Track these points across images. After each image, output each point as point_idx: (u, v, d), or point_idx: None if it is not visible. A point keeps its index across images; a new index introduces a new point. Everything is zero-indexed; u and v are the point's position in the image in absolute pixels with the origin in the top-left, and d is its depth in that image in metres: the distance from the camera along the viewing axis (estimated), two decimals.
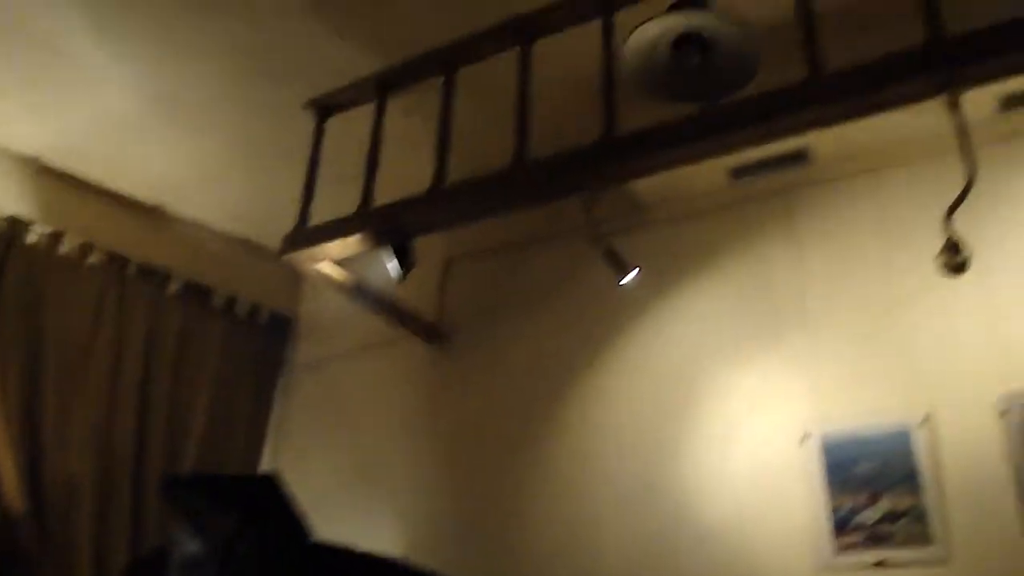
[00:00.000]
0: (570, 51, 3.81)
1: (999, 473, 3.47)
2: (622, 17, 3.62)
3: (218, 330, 5.52)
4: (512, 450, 4.68)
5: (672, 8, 2.63)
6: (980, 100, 3.44)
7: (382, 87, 4.24)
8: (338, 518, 4.75)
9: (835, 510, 3.74)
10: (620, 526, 4.25)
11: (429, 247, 4.20)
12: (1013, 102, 3.75)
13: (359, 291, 4.61)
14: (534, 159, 3.64)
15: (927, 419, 3.67)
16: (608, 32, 3.65)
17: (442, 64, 4.08)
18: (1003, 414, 3.51)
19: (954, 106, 2.99)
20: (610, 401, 4.51)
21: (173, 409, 5.13)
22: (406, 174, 3.87)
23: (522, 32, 3.90)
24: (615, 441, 4.41)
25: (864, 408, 3.82)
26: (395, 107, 4.24)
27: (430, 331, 5.19)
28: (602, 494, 4.35)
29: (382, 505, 4.99)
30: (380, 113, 4.20)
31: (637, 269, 3.87)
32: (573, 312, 4.78)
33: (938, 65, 2.95)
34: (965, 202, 3.00)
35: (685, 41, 2.65)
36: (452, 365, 5.14)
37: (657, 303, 4.52)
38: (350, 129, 4.24)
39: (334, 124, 4.36)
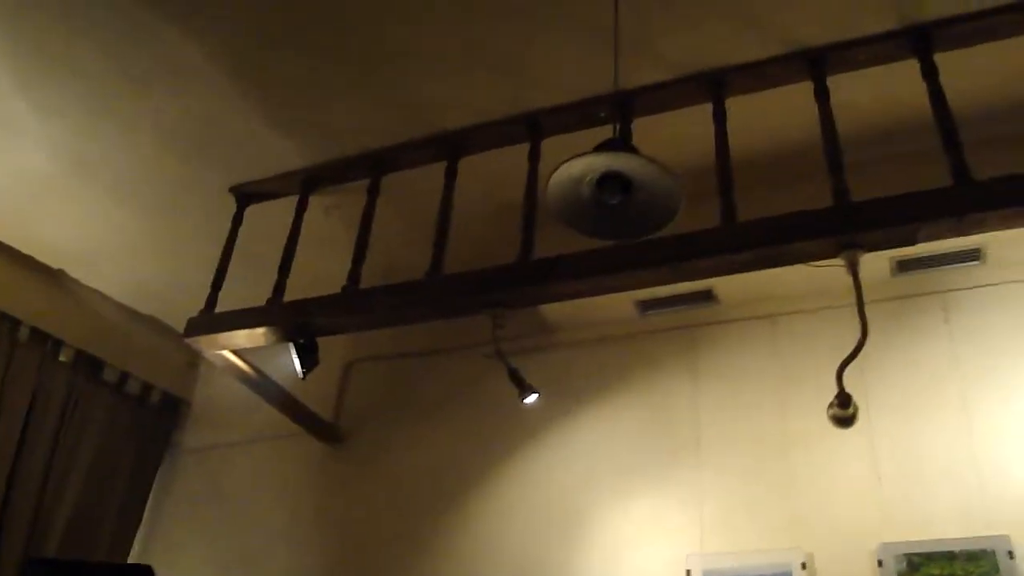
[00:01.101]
0: (496, 171, 3.92)
1: None
2: (549, 144, 3.79)
3: (105, 404, 5.33)
4: (397, 561, 4.58)
5: (600, 147, 2.72)
6: (876, 262, 3.66)
7: (306, 183, 4.28)
8: None
9: None
10: None
11: (331, 346, 4.17)
12: (906, 266, 4.01)
13: (259, 383, 4.53)
14: (449, 274, 3.70)
15: (807, 563, 3.74)
16: (534, 158, 3.79)
17: (369, 168, 4.15)
18: (880, 564, 3.61)
19: (852, 266, 3.16)
20: (500, 518, 4.49)
21: (45, 482, 4.88)
22: (320, 272, 3.88)
23: (450, 147, 4.01)
24: (501, 559, 4.36)
25: (748, 547, 3.88)
26: (316, 204, 4.28)
27: (326, 430, 5.12)
28: None
29: None
30: (301, 208, 4.23)
31: (537, 394, 3.91)
32: (471, 425, 4.78)
33: (840, 228, 3.15)
34: (856, 355, 3.14)
35: (609, 180, 2.74)
36: (345, 467, 5.06)
37: (556, 424, 4.56)
38: (269, 219, 4.24)
39: (254, 212, 4.36)
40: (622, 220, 2.85)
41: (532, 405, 3.94)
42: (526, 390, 3.84)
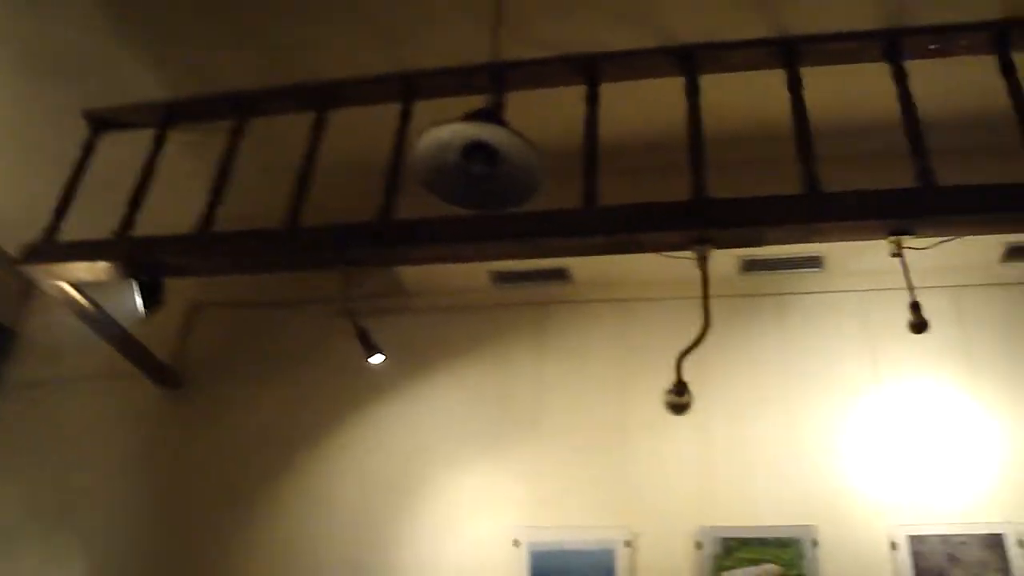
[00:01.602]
0: (366, 129, 3.85)
1: None
2: (423, 107, 3.76)
3: None
4: (227, 510, 4.47)
5: (468, 116, 2.72)
6: (725, 259, 3.80)
7: (167, 115, 4.11)
8: (23, 554, 4.47)
9: None
10: None
11: (178, 288, 4.05)
12: (752, 266, 4.19)
13: (97, 319, 4.33)
14: (307, 226, 3.63)
15: (631, 541, 3.88)
16: (405, 119, 3.75)
17: (234, 109, 4.02)
18: (699, 546, 3.78)
19: (702, 260, 3.26)
20: (337, 478, 4.45)
21: None
22: (173, 211, 3.73)
23: (320, 98, 3.94)
24: (335, 517, 4.33)
25: (577, 522, 4.00)
26: (176, 140, 4.12)
27: (164, 374, 4.93)
28: (311, 570, 4.25)
29: (76, 547, 4.57)
30: (160, 141, 4.06)
31: (383, 356, 3.90)
32: (317, 381, 4.71)
33: (694, 222, 3.25)
34: (697, 347, 3.25)
35: (476, 149, 2.75)
36: (181, 413, 4.89)
37: (401, 387, 4.56)
38: (125, 151, 4.05)
39: (110, 144, 4.16)
40: (485, 191, 2.87)
41: (378, 367, 3.93)
42: (372, 350, 3.83)
